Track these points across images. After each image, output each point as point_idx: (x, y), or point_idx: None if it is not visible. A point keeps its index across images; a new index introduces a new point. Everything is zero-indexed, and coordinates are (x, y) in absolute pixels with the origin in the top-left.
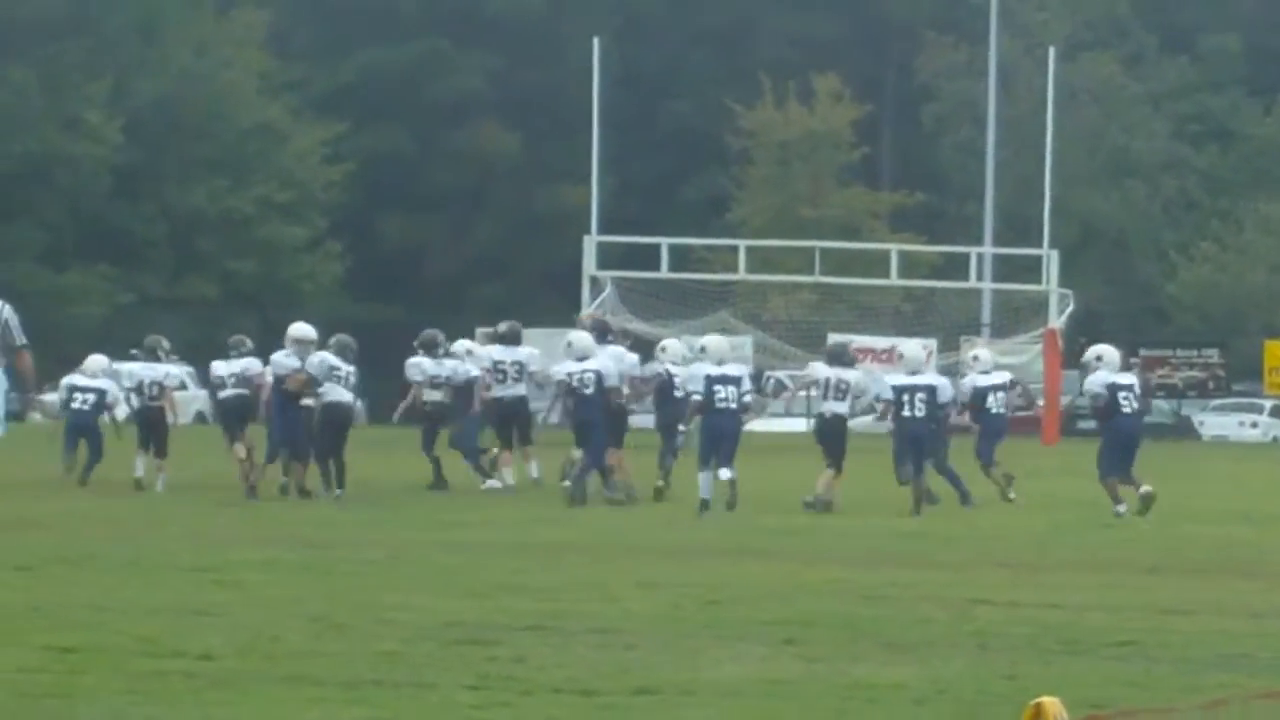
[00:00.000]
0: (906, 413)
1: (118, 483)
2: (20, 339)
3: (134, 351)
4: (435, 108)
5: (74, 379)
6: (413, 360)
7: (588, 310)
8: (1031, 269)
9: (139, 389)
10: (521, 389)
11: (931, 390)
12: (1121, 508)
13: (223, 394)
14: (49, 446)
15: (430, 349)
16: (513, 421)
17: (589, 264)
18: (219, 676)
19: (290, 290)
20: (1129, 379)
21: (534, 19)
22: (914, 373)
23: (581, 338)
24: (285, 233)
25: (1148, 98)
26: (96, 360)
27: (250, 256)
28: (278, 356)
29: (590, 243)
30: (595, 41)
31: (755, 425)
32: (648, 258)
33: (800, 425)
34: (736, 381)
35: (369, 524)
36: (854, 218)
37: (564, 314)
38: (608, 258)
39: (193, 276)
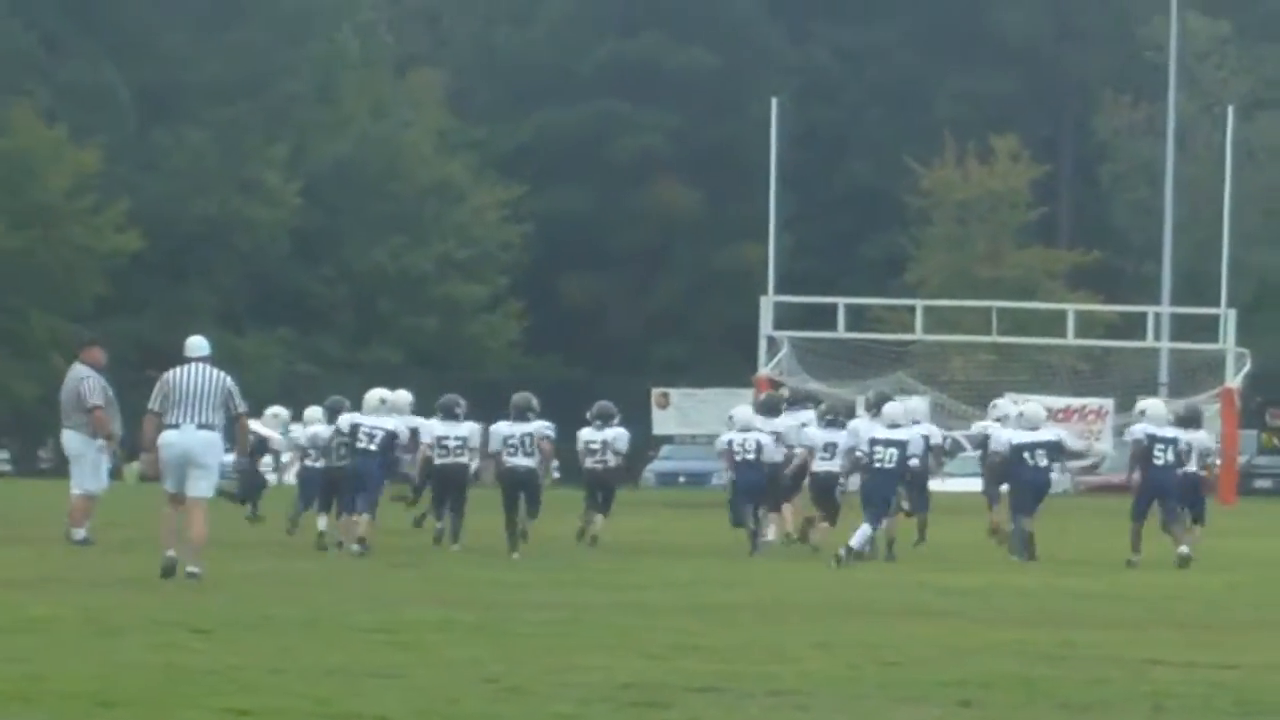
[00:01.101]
0: (1030, 463)
1: (287, 544)
2: (240, 406)
3: (321, 408)
4: (614, 166)
5: (354, 417)
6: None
7: (764, 370)
8: (1208, 328)
9: (325, 450)
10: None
11: (1054, 445)
12: (1135, 557)
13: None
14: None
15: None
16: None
17: (766, 323)
18: None
19: (473, 349)
20: (1171, 433)
21: (712, 77)
22: (1033, 429)
23: (744, 411)
24: (465, 290)
25: None
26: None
27: (431, 314)
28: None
29: (767, 302)
30: (774, 100)
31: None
32: (825, 317)
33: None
34: (901, 445)
35: (546, 584)
36: (1031, 277)
37: (742, 373)
38: (785, 317)
39: (374, 339)
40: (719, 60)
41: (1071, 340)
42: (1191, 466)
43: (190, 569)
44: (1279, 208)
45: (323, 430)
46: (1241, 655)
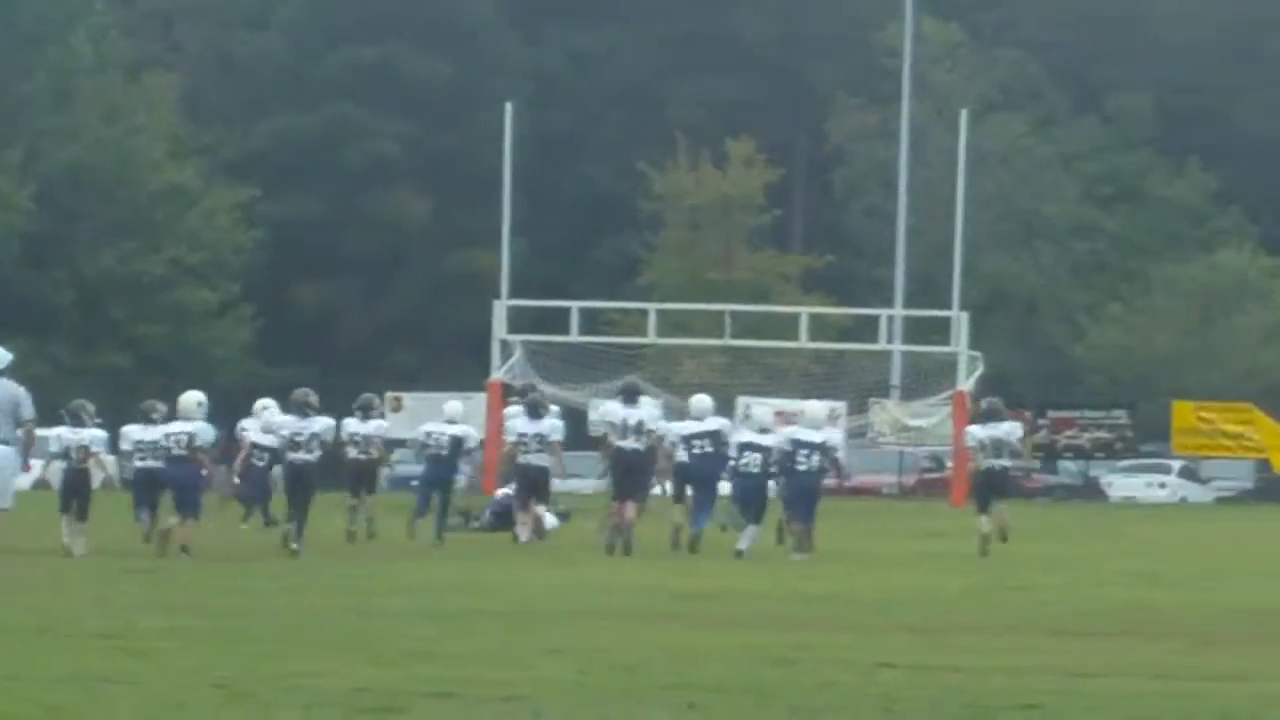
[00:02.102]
0: (802, 466)
1: (25, 551)
2: (29, 414)
3: (62, 413)
4: (348, 173)
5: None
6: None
7: (497, 374)
8: (941, 331)
9: (65, 453)
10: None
11: (824, 446)
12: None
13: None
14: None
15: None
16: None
17: (499, 328)
18: None
19: (201, 356)
20: (818, 438)
21: (445, 84)
22: (813, 428)
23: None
24: (196, 296)
25: (1058, 159)
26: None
27: (160, 322)
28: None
29: (500, 307)
30: (507, 106)
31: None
32: (558, 321)
33: None
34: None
35: (278, 590)
36: (764, 281)
37: (476, 378)
38: (518, 321)
39: (103, 345)
40: (453, 67)
41: (805, 343)
42: (1005, 460)
43: None
44: (1011, 212)
45: (65, 434)
46: (971, 659)
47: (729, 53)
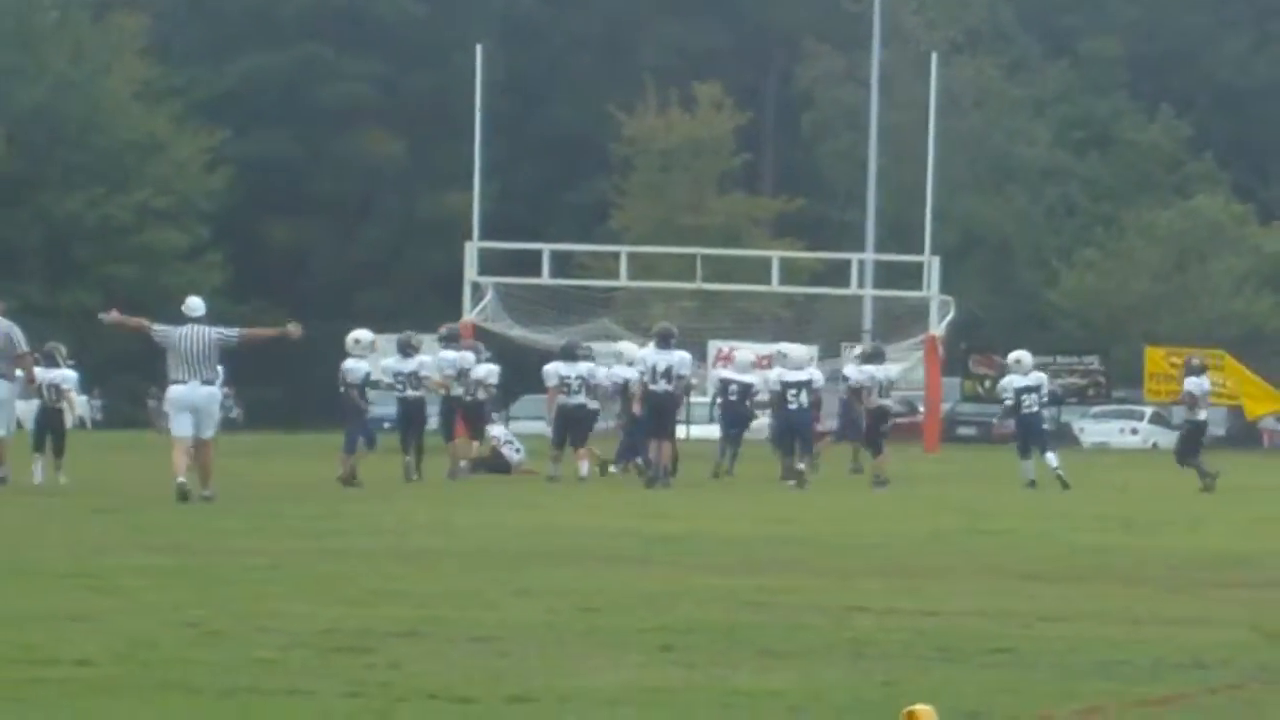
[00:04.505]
0: (792, 405)
1: None
2: (23, 347)
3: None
4: (319, 113)
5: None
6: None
7: (469, 316)
8: (913, 275)
9: (38, 392)
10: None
11: (809, 384)
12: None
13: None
14: None
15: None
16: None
17: (471, 270)
18: (96, 683)
19: (171, 297)
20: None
21: (417, 25)
22: (796, 369)
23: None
24: (165, 239)
25: (1030, 103)
26: None
27: (130, 263)
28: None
29: (472, 248)
30: (479, 48)
31: None
32: (530, 264)
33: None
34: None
35: (248, 531)
36: (735, 224)
37: (447, 319)
38: (490, 263)
39: (72, 285)
40: (423, 5)
41: (776, 287)
42: (886, 400)
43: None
44: (983, 156)
45: (38, 373)
46: (942, 602)
47: None
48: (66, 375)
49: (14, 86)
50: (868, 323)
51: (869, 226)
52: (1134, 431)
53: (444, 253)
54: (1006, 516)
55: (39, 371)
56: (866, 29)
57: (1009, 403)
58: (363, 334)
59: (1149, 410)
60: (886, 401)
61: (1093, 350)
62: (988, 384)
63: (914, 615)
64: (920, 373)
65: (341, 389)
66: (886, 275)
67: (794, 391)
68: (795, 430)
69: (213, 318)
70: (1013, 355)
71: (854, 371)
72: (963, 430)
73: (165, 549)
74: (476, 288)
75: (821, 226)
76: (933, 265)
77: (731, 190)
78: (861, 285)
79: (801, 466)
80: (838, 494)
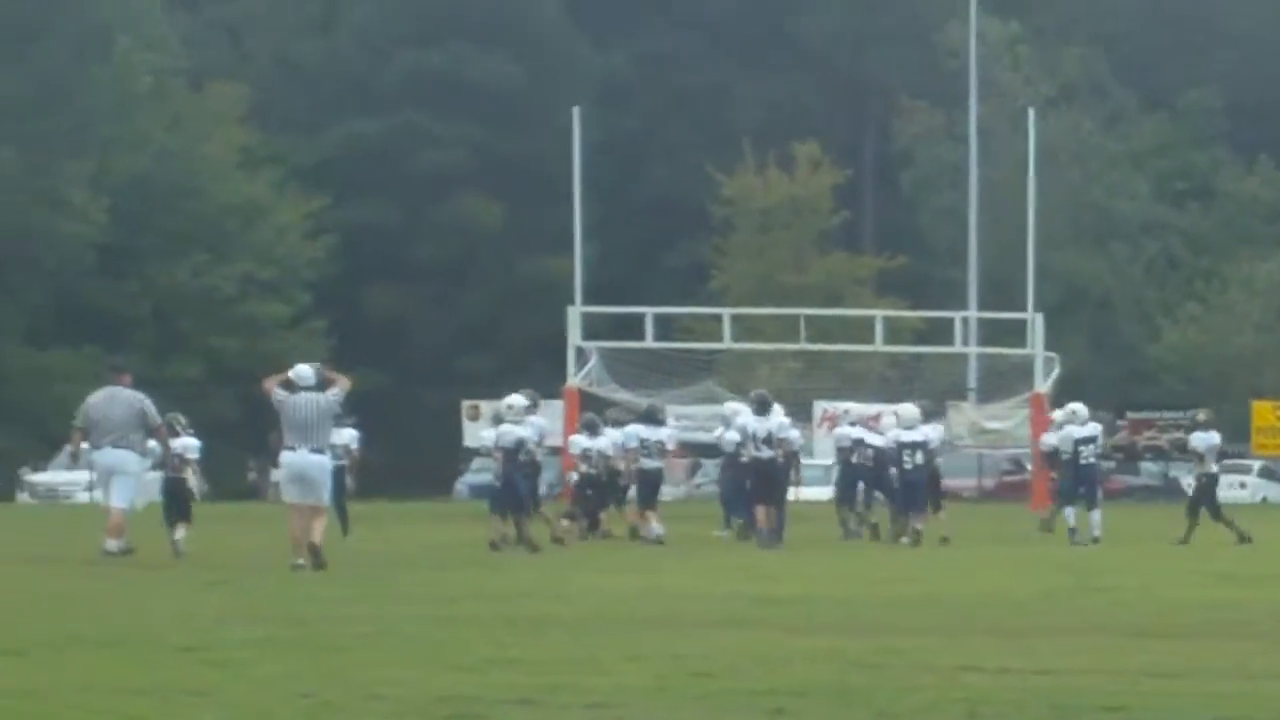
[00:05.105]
0: (908, 464)
1: (92, 563)
2: (156, 420)
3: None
4: (417, 179)
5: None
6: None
7: (573, 381)
8: (1016, 332)
9: (162, 463)
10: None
11: (924, 444)
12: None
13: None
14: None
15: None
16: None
17: (574, 334)
18: None
19: (276, 365)
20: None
21: (513, 89)
22: (909, 428)
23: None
24: (268, 309)
25: (1129, 156)
26: None
27: (233, 334)
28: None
29: (574, 313)
30: (575, 110)
31: None
32: (632, 327)
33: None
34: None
35: (358, 598)
36: (837, 284)
37: (551, 384)
38: (593, 327)
39: (176, 356)
40: (520, 70)
41: (880, 346)
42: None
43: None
44: (1082, 210)
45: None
46: (1055, 660)
47: (793, 55)
48: (188, 444)
49: (114, 156)
50: (973, 380)
51: (971, 283)
52: (1242, 485)
53: (546, 317)
54: (1116, 573)
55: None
56: (963, 85)
57: (1065, 455)
58: (516, 399)
59: (1257, 464)
60: (772, 452)
61: (1198, 405)
62: None
63: (1026, 674)
64: (1026, 430)
65: (498, 454)
66: (990, 333)
67: (909, 451)
68: (913, 490)
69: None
70: (1069, 406)
71: (751, 423)
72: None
73: (277, 620)
74: (580, 352)
75: (924, 284)
76: (1036, 322)
77: (832, 249)
78: (966, 343)
79: (919, 526)
80: (946, 553)
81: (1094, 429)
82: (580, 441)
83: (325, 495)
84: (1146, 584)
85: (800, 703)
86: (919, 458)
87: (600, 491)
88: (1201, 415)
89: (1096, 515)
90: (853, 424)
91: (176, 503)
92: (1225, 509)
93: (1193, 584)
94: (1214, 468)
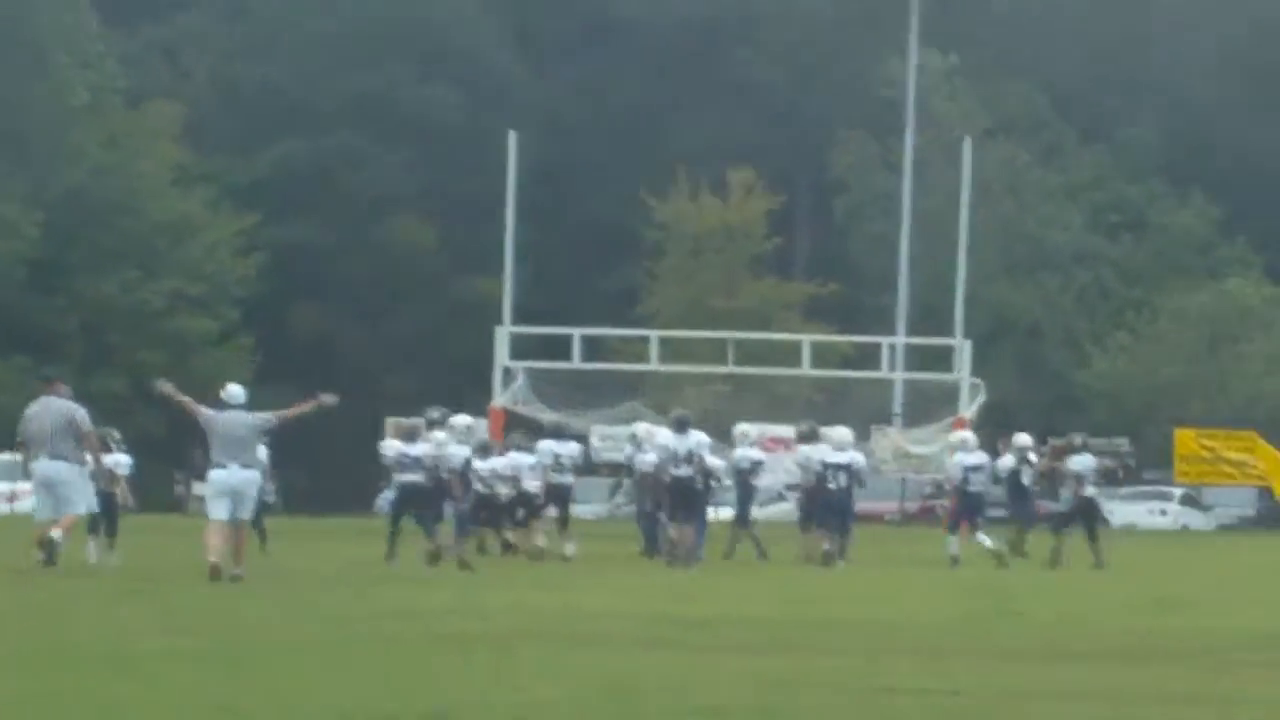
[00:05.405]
0: (832, 485)
1: (13, 571)
2: (87, 427)
3: None
4: (351, 200)
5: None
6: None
7: (498, 400)
8: (944, 359)
9: (92, 476)
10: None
11: (849, 466)
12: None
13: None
14: None
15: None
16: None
17: (502, 354)
18: None
19: (202, 382)
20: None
21: (449, 113)
22: (840, 450)
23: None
24: (196, 325)
25: (1065, 189)
26: None
27: (160, 349)
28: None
29: (503, 333)
30: (511, 135)
31: None
32: (560, 348)
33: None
34: None
35: (279, 615)
36: (767, 308)
37: (477, 404)
38: (521, 348)
39: (103, 370)
40: (457, 94)
41: (807, 370)
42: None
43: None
44: (1015, 241)
45: None
46: (972, 683)
47: (730, 83)
48: (120, 460)
49: (48, 171)
50: (898, 405)
51: (900, 310)
52: (1163, 513)
53: (474, 337)
54: (1034, 598)
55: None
56: (900, 115)
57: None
58: (460, 419)
59: (1179, 491)
60: (689, 471)
61: (1122, 432)
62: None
63: (943, 695)
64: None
65: (445, 475)
66: (918, 359)
67: (834, 472)
68: (834, 511)
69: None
70: (956, 436)
71: (670, 441)
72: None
73: (194, 631)
74: (508, 372)
75: (853, 310)
76: (964, 348)
77: (764, 274)
78: (893, 368)
79: (827, 547)
80: (867, 575)
81: (982, 457)
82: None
83: (250, 510)
84: (1065, 609)
85: None
86: (842, 479)
87: (494, 512)
88: (1078, 439)
89: (983, 538)
90: (752, 445)
91: (106, 518)
92: (1153, 536)
93: (1114, 610)
94: (1090, 490)
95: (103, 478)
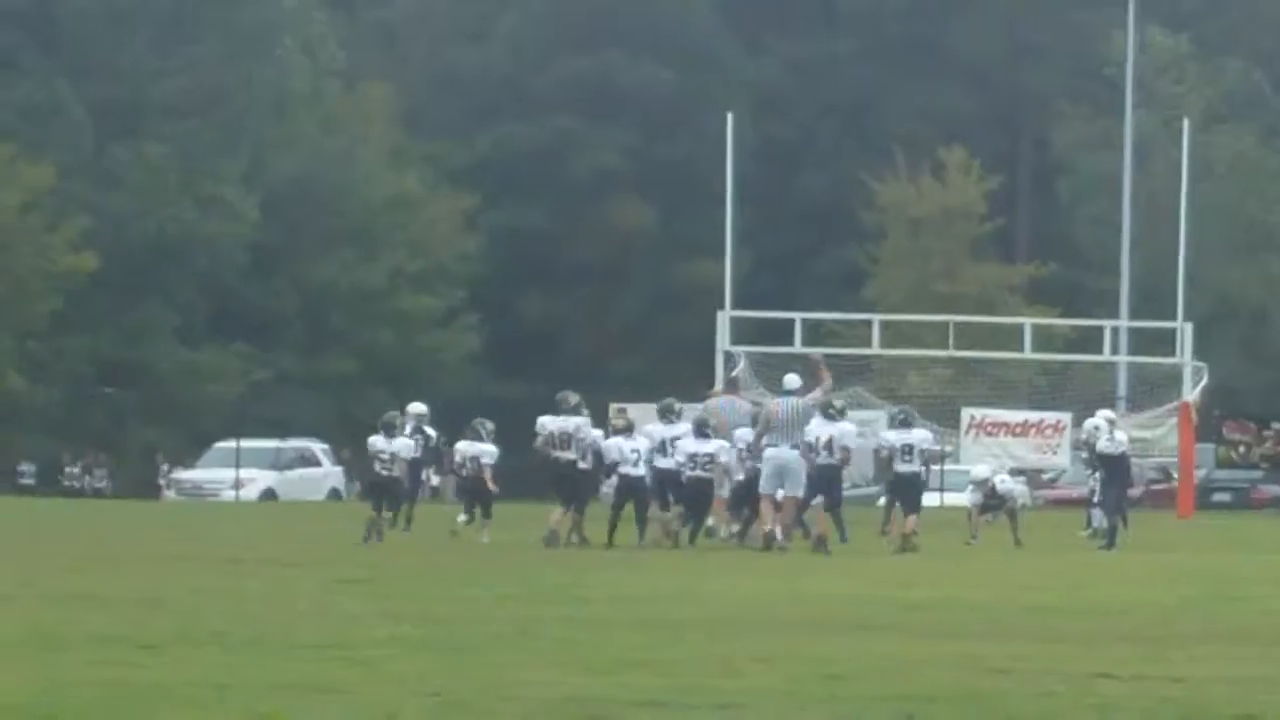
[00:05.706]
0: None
1: (233, 561)
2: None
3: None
4: (570, 184)
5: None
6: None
7: (719, 385)
8: (1166, 342)
9: (462, 464)
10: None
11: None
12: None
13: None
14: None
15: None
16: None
17: (723, 339)
18: None
19: (429, 362)
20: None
21: (667, 95)
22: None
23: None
24: (419, 303)
25: None
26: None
27: (385, 328)
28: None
29: (724, 318)
30: (729, 116)
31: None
32: (781, 332)
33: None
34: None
35: (494, 599)
36: (988, 292)
37: (699, 389)
38: (742, 332)
39: (328, 352)
40: (674, 76)
41: (1029, 354)
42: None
43: None
44: (1236, 221)
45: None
46: (1189, 669)
47: (949, 63)
48: (484, 450)
49: (270, 156)
50: (1121, 389)
51: (1123, 293)
52: None
53: (696, 322)
54: (1258, 583)
55: (463, 444)
56: (1121, 95)
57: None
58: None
59: None
60: (914, 467)
61: None
62: (1242, 450)
63: (1160, 682)
64: (1174, 439)
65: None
66: (1140, 342)
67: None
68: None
69: (467, 385)
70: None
71: (891, 436)
72: (1217, 497)
73: (411, 618)
74: (729, 357)
75: (1075, 293)
76: (1186, 331)
77: (985, 256)
78: (1115, 351)
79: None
80: (1087, 560)
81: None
82: (376, 443)
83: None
84: None
85: (929, 708)
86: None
87: (381, 493)
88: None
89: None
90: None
91: (479, 500)
92: None
93: None
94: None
95: (470, 465)
